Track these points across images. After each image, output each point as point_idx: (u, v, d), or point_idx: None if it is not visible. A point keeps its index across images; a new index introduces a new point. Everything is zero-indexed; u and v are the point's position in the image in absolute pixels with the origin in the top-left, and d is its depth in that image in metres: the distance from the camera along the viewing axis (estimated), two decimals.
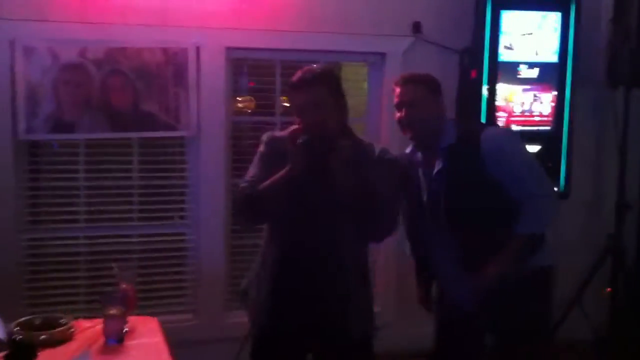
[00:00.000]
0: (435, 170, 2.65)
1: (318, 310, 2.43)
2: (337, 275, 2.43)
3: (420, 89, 2.67)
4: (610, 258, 3.83)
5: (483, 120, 3.87)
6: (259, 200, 2.38)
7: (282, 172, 2.34)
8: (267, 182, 2.37)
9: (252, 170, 2.51)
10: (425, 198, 2.73)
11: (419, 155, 2.76)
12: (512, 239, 2.56)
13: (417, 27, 4.04)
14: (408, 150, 2.83)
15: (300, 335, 2.48)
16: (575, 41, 3.98)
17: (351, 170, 2.29)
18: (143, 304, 3.07)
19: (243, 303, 2.68)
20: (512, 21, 3.93)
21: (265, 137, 2.56)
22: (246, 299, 2.63)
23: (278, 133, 2.60)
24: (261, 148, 2.54)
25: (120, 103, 3.75)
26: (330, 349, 2.50)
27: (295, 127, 2.46)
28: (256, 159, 2.54)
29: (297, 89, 2.39)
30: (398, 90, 2.68)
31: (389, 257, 4.12)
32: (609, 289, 3.80)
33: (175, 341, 2.54)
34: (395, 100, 2.69)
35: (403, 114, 2.64)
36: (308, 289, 2.42)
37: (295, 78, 2.41)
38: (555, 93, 3.99)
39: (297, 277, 2.43)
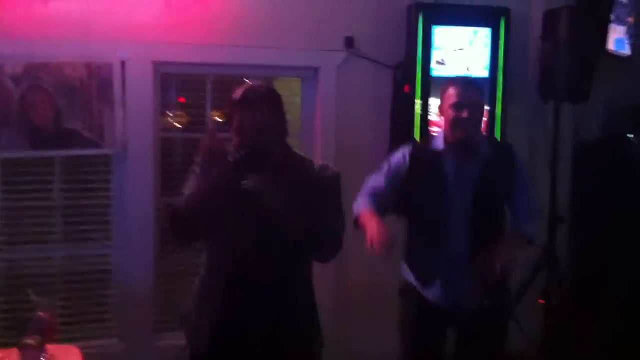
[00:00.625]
0: (471, 171, 2.80)
1: (261, 339, 2.34)
2: (280, 302, 2.35)
3: (480, 93, 2.88)
4: (544, 270, 3.86)
5: (416, 135, 3.86)
6: (182, 212, 2.27)
7: (205, 183, 2.26)
8: (189, 193, 2.29)
9: (191, 183, 2.40)
10: (450, 192, 2.80)
11: (447, 151, 2.84)
12: (513, 236, 2.85)
13: (350, 42, 4.01)
14: (436, 143, 2.88)
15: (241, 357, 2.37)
16: (505, 57, 4.03)
17: (290, 193, 2.20)
18: (66, 328, 2.93)
19: (183, 327, 2.54)
20: (444, 37, 3.95)
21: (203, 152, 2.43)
22: (187, 324, 2.49)
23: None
24: (196, 162, 2.43)
25: (41, 120, 3.61)
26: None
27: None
28: (191, 176, 2.43)
29: (239, 107, 2.28)
30: (458, 90, 2.78)
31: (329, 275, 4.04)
32: (541, 301, 3.81)
33: None
34: (455, 100, 2.77)
35: (467, 114, 2.75)
36: (250, 317, 2.33)
37: (237, 95, 2.28)
38: (487, 108, 4.02)
39: (236, 305, 2.33)
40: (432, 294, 2.85)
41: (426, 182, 2.83)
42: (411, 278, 2.93)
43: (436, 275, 2.83)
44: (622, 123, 4.54)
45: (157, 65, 3.79)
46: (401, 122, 3.98)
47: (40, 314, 2.47)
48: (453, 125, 2.79)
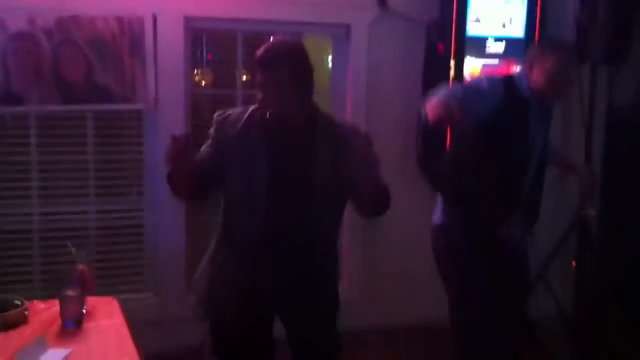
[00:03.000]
0: (543, 128, 2.95)
1: (285, 278, 2.38)
2: (305, 266, 2.38)
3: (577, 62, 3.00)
4: (576, 233, 3.83)
5: None
6: (171, 179, 2.37)
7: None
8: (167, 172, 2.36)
9: (203, 148, 2.45)
10: (532, 141, 2.89)
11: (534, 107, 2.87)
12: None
13: None
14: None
15: (266, 300, 2.42)
16: (542, 15, 3.96)
17: (320, 154, 2.25)
18: (101, 282, 2.96)
19: (193, 293, 2.60)
20: None
21: (216, 116, 2.45)
22: (197, 289, 2.54)
23: (232, 111, 2.45)
24: (211, 128, 2.45)
25: (72, 75, 3.59)
26: (297, 316, 2.48)
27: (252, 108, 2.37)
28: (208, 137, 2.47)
29: (260, 65, 2.27)
30: (560, 60, 2.80)
31: (356, 235, 4.05)
32: (573, 262, 3.80)
33: (136, 321, 2.43)
34: (558, 68, 2.79)
35: (565, 85, 2.88)
36: (275, 260, 2.37)
37: (259, 53, 2.28)
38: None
39: (258, 269, 2.37)
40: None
41: (513, 125, 2.83)
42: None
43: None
44: None
45: (189, 20, 3.75)
46: (434, 83, 3.88)
47: (79, 266, 2.49)
48: (546, 91, 2.83)
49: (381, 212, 2.39)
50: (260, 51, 2.28)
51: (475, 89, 2.83)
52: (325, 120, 2.40)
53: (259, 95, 2.29)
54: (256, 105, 2.35)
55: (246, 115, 2.37)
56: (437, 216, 3.03)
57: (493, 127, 2.75)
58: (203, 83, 4.59)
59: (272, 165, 2.29)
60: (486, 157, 2.83)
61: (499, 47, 3.94)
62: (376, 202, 2.34)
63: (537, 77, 2.82)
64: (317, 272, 2.43)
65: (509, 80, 2.91)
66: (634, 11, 3.82)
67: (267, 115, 2.25)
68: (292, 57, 2.29)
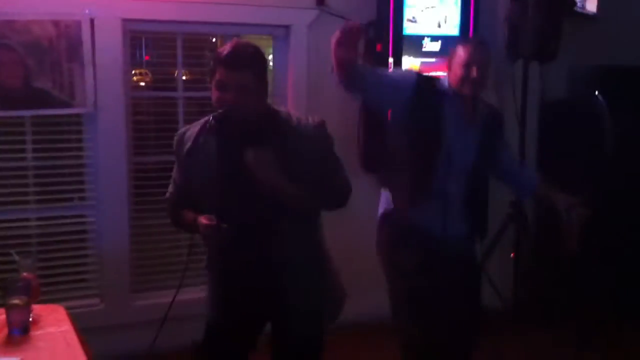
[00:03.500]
0: (473, 127, 2.94)
1: (266, 303, 2.44)
2: (283, 262, 2.40)
3: (488, 54, 2.95)
4: (513, 225, 3.97)
5: None
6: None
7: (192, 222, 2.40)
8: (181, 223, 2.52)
9: (174, 174, 2.53)
10: (451, 143, 2.90)
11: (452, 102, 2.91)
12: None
13: (321, 0, 3.99)
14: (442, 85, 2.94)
15: (256, 305, 2.46)
16: (475, 15, 4.07)
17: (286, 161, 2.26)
18: (46, 289, 2.92)
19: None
20: None
21: (175, 137, 2.47)
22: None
23: (188, 127, 2.47)
24: (174, 149, 2.48)
25: (9, 80, 3.53)
26: (286, 318, 2.48)
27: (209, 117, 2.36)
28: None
29: (224, 64, 2.25)
30: (469, 49, 2.86)
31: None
32: (512, 254, 3.93)
33: (83, 328, 2.43)
34: (466, 58, 2.84)
35: (476, 73, 2.83)
36: (252, 283, 2.42)
37: (224, 51, 2.26)
38: None
39: (238, 270, 2.43)
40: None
41: (423, 117, 2.88)
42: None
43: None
44: (588, 82, 4.64)
45: (126, 22, 3.72)
46: None
47: (25, 274, 2.46)
48: (461, 82, 2.87)
49: (341, 204, 2.44)
50: (225, 51, 2.26)
51: (388, 75, 2.97)
52: (281, 118, 2.40)
53: (217, 95, 2.27)
54: (210, 116, 2.34)
55: (200, 126, 2.39)
56: (380, 207, 3.12)
57: (402, 115, 2.88)
58: (142, 84, 4.55)
59: (232, 165, 2.28)
60: (398, 144, 2.96)
61: (436, 46, 4.04)
62: (334, 195, 2.40)
63: (453, 71, 2.91)
64: (293, 270, 2.41)
65: (427, 77, 3.01)
66: (562, 10, 3.99)
67: (226, 115, 2.24)
68: (257, 58, 2.31)
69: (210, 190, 2.35)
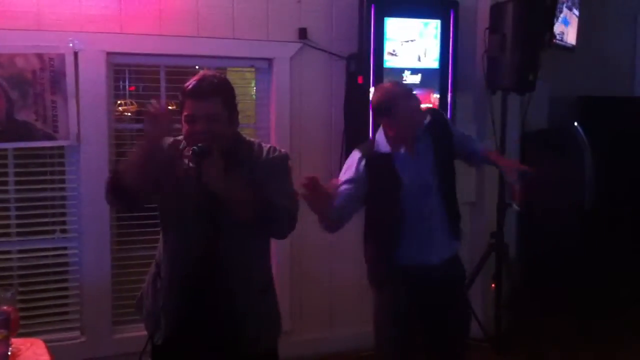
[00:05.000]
0: (422, 152, 2.95)
1: (219, 321, 2.37)
2: (236, 284, 2.37)
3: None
4: (494, 254, 4.00)
5: (370, 125, 3.93)
6: (121, 175, 2.29)
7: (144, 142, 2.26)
8: (129, 162, 2.29)
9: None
10: (408, 177, 2.91)
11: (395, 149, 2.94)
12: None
13: (303, 33, 4.05)
14: (382, 147, 2.96)
15: (200, 346, 2.40)
16: (454, 48, 4.15)
17: (240, 177, 2.25)
18: (26, 322, 2.91)
19: (138, 312, 2.58)
20: (395, 28, 4.04)
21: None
22: (141, 308, 2.54)
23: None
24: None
25: None
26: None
27: (178, 138, 2.38)
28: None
29: (191, 96, 2.28)
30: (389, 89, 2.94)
31: (283, 264, 4.10)
32: (493, 285, 3.96)
33: None
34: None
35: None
36: (206, 299, 2.35)
37: (190, 84, 2.29)
38: (437, 96, 4.13)
39: (193, 286, 2.35)
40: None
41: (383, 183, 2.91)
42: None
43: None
44: (567, 113, 4.72)
45: (110, 55, 3.76)
46: (354, 112, 4.05)
47: (4, 307, 2.46)
48: (395, 128, 2.91)
49: (282, 231, 2.40)
50: (192, 83, 2.28)
51: (342, 183, 2.92)
52: (246, 145, 2.43)
53: (186, 128, 2.28)
54: (177, 137, 2.36)
55: (170, 144, 2.40)
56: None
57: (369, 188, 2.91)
58: (128, 114, 4.57)
59: (195, 194, 2.25)
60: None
61: (416, 79, 4.10)
62: (278, 217, 2.32)
63: (386, 125, 2.95)
64: (243, 297, 2.40)
65: (365, 145, 3.04)
66: (539, 44, 4.07)
67: (205, 149, 2.20)
68: (224, 87, 2.33)
69: (169, 210, 2.37)
